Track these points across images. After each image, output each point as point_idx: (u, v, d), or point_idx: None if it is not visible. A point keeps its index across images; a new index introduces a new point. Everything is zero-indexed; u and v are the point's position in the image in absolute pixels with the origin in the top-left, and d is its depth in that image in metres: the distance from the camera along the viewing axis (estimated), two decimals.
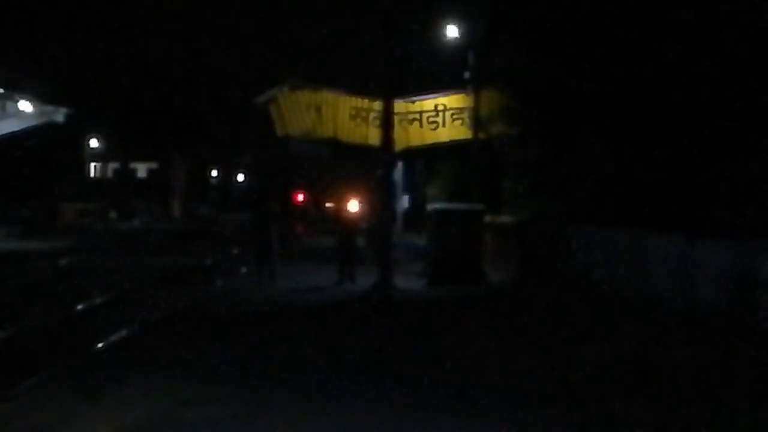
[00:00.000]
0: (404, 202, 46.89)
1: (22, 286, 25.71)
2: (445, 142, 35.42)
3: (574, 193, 25.07)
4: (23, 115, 44.19)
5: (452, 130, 35.07)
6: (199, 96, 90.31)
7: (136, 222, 77.02)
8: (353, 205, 27.99)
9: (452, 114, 35.09)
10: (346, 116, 35.11)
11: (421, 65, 37.83)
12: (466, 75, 32.62)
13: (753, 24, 19.69)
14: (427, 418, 10.54)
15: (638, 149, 22.24)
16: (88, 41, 70.96)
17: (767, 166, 18.88)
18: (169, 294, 24.08)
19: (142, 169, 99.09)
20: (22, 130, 45.70)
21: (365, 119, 34.80)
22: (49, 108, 44.76)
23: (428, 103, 35.39)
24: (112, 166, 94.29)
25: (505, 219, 29.51)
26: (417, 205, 45.49)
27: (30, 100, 42.99)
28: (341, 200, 28.43)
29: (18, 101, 42.90)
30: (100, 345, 15.92)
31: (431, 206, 28.62)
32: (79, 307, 21.12)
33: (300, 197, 54.62)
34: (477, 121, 31.39)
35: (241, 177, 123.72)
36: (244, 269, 31.71)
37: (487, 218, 28.15)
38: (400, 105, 32.06)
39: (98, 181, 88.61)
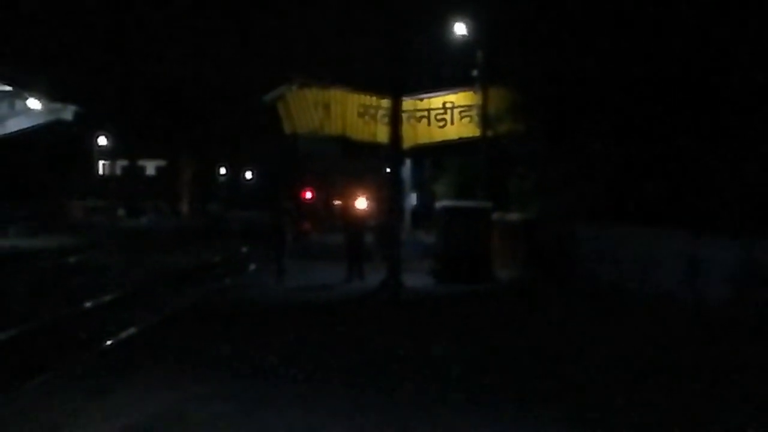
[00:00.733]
0: (412, 199, 46.95)
1: (32, 284, 25.78)
2: (453, 140, 35.40)
3: (581, 191, 25.05)
4: (32, 112, 44.30)
5: (460, 128, 35.06)
6: (207, 93, 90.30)
7: (144, 219, 77.17)
8: (361, 203, 27.96)
9: (460, 111, 35.08)
10: (355, 114, 35.12)
11: (430, 63, 37.84)
12: (474, 73, 32.59)
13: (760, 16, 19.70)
14: (433, 416, 10.53)
15: (645, 147, 22.23)
16: (96, 39, 71.02)
17: None
18: (178, 291, 24.15)
19: (150, 167, 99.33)
20: (31, 127, 45.81)
21: (373, 117, 34.81)
22: (57, 106, 44.87)
23: (436, 100, 35.38)
24: (121, 163, 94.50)
25: (513, 216, 29.50)
26: (425, 202, 45.54)
27: (38, 98, 43.10)
28: (349, 198, 28.40)
29: (27, 99, 43.01)
30: (108, 342, 15.97)
31: (439, 204, 28.62)
32: (88, 304, 21.18)
33: (308, 195, 54.57)
34: (485, 119, 31.36)
35: (249, 174, 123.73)
36: (252, 266, 31.77)
37: (495, 216, 28.13)
38: (408, 102, 32.07)
39: (107, 179, 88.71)
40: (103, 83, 71.81)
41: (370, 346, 15.19)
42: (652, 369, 13.19)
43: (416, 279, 25.41)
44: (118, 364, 13.63)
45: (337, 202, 63.12)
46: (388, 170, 25.74)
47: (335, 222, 46.89)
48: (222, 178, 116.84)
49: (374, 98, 34.61)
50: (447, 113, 35.21)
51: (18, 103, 43.90)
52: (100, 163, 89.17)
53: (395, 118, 23.78)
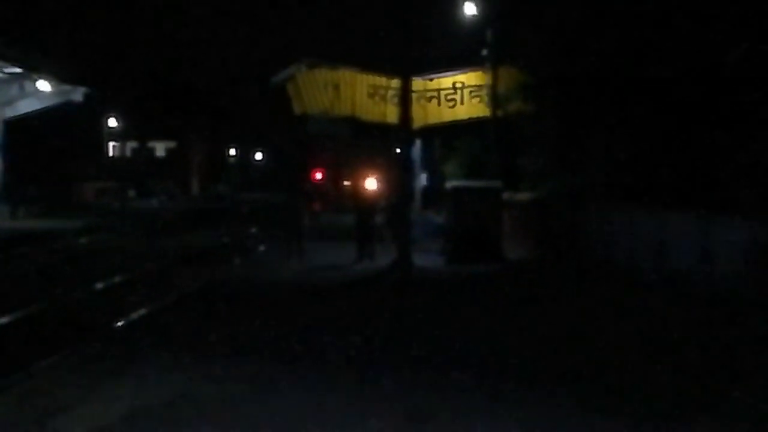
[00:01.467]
0: (422, 179, 46.91)
1: (42, 265, 25.82)
2: (463, 120, 35.34)
3: (591, 170, 24.98)
4: (41, 94, 44.31)
5: (470, 108, 34.99)
6: (217, 75, 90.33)
7: (155, 201, 77.20)
8: (371, 184, 27.92)
9: (470, 91, 35.00)
10: (364, 94, 35.06)
11: (439, 43, 37.71)
12: (484, 52, 32.49)
13: None
14: (448, 399, 10.51)
15: (656, 126, 22.14)
16: (106, 21, 70.97)
17: None
18: (188, 272, 24.15)
19: (160, 148, 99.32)
20: (41, 109, 45.83)
21: (383, 97, 34.74)
22: (67, 87, 44.86)
23: (446, 80, 35.31)
24: (131, 145, 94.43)
25: (523, 196, 29.44)
26: (435, 182, 45.47)
27: (48, 80, 43.09)
28: (359, 178, 28.36)
29: (36, 81, 43.00)
30: (119, 323, 15.98)
31: (449, 184, 28.57)
32: (99, 286, 21.20)
33: (318, 175, 54.60)
34: (495, 99, 31.28)
35: (259, 156, 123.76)
36: (262, 247, 31.78)
37: (505, 195, 28.08)
38: (418, 83, 31.98)
39: (116, 160, 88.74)
40: (113, 65, 71.73)
41: (381, 327, 15.18)
42: (667, 349, 13.16)
43: (426, 259, 25.40)
44: (129, 345, 13.65)
45: (346, 183, 63.11)
46: (398, 151, 25.68)
47: (345, 203, 46.89)
48: (232, 160, 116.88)
49: (384, 78, 34.54)
50: (457, 93, 35.14)
51: (28, 85, 43.89)
52: (110, 144, 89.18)
53: (405, 99, 23.72)
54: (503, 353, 12.97)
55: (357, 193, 28.27)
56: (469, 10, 32.62)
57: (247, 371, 11.79)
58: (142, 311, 17.24)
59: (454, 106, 35.19)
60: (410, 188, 28.88)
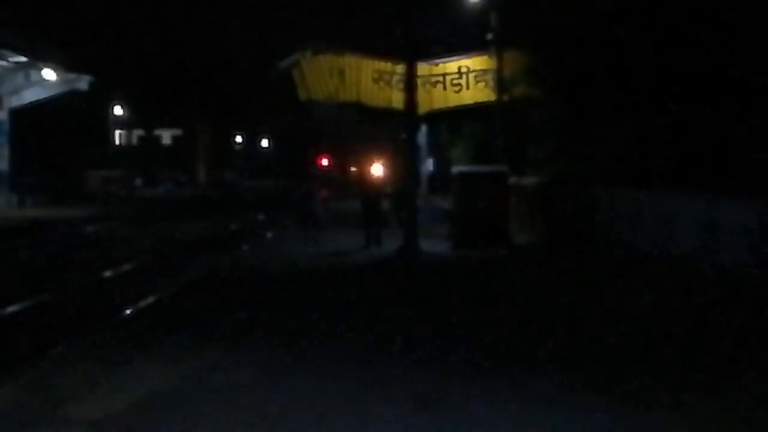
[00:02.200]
0: (428, 165, 46.90)
1: (49, 254, 25.87)
2: (468, 105, 35.27)
3: (597, 154, 24.97)
4: (47, 83, 44.37)
5: (476, 93, 34.93)
6: (222, 62, 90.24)
7: (161, 189, 77.37)
8: (378, 169, 27.92)
9: (475, 76, 34.93)
10: (370, 80, 35.00)
11: (444, 27, 37.65)
12: (489, 36, 32.44)
13: None
14: (450, 383, 10.53)
15: (663, 108, 22.12)
16: (112, 9, 70.92)
17: None
18: (196, 259, 24.19)
19: (166, 136, 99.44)
20: (47, 98, 45.89)
21: (388, 82, 34.69)
22: (72, 76, 44.91)
23: (451, 65, 35.24)
24: (137, 133, 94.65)
25: (530, 181, 29.44)
26: (441, 168, 45.47)
27: (54, 68, 43.13)
28: (365, 164, 28.37)
29: (42, 69, 43.06)
30: (127, 311, 16.02)
31: (455, 169, 28.57)
32: (107, 273, 21.25)
33: (324, 162, 54.66)
34: (500, 83, 31.26)
35: (265, 143, 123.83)
36: (269, 234, 31.81)
37: (512, 180, 28.08)
38: (423, 68, 31.91)
39: (123, 149, 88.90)
40: (119, 53, 71.76)
41: (389, 312, 15.20)
42: (675, 333, 13.17)
43: (433, 244, 25.41)
44: (137, 333, 13.68)
45: (353, 169, 63.13)
46: (403, 136, 25.67)
47: (352, 189, 46.90)
48: (238, 147, 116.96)
49: (389, 64, 34.48)
50: (462, 78, 35.06)
51: (33, 74, 43.97)
52: (117, 132, 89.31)
53: (410, 84, 23.72)
54: (510, 337, 12.99)
55: (363, 179, 28.27)
56: None
57: (256, 357, 11.82)
58: (150, 299, 17.27)
59: (459, 90, 35.12)
60: (416, 174, 28.88)
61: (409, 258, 22.66)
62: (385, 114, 35.62)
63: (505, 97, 31.14)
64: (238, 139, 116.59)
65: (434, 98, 34.98)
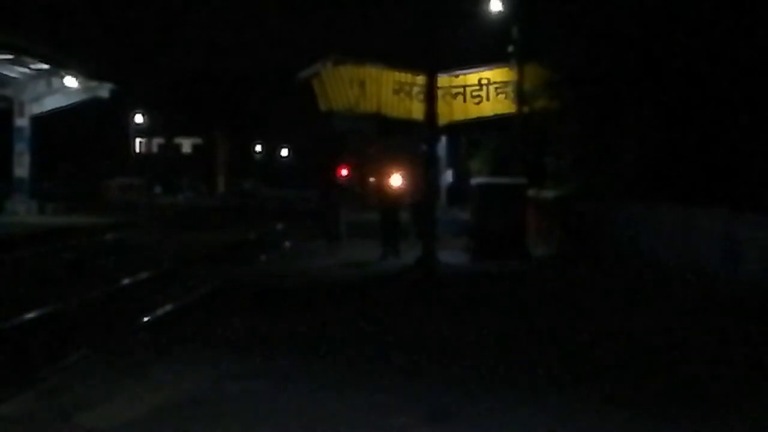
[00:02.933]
0: (448, 176, 46.85)
1: (68, 261, 25.93)
2: (488, 116, 35.33)
3: (617, 168, 24.90)
4: (68, 90, 44.53)
5: (496, 105, 34.98)
6: (243, 71, 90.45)
7: (181, 197, 77.52)
8: (397, 180, 27.90)
9: (496, 88, 35.00)
10: (390, 91, 35.09)
11: (465, 39, 37.67)
12: (510, 49, 32.45)
13: None
14: (464, 396, 10.49)
15: (683, 123, 22.05)
16: (133, 17, 71.22)
17: None
18: (213, 269, 24.21)
19: (186, 145, 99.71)
20: (68, 105, 46.03)
21: (409, 94, 34.77)
22: (94, 84, 45.04)
23: (472, 77, 35.30)
24: (157, 141, 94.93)
25: (549, 193, 29.38)
26: (460, 179, 45.41)
27: (75, 76, 43.29)
28: (385, 175, 28.37)
29: (63, 77, 43.21)
30: (145, 320, 16.04)
31: (474, 181, 28.54)
32: (126, 281, 21.28)
33: (344, 172, 54.70)
34: (520, 95, 31.24)
35: (284, 152, 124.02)
36: (287, 244, 31.83)
37: (531, 193, 28.03)
38: (443, 79, 31.96)
39: (143, 157, 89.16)
40: (140, 61, 72.01)
41: (406, 324, 15.18)
42: (690, 348, 13.11)
43: (452, 256, 25.37)
44: (154, 341, 13.68)
45: (372, 180, 63.05)
46: (423, 147, 25.66)
47: (370, 199, 46.90)
48: (257, 156, 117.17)
49: (409, 75, 34.58)
50: (482, 90, 35.13)
51: (55, 81, 44.10)
52: (137, 141, 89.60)
53: (430, 95, 23.69)
54: (527, 351, 12.95)
55: (382, 190, 28.25)
56: (495, 6, 32.57)
57: (272, 367, 11.80)
58: (168, 307, 17.29)
59: (479, 102, 35.19)
60: (435, 185, 28.84)
61: (427, 269, 22.61)
62: (405, 125, 35.69)
63: (525, 110, 31.12)
64: (258, 148, 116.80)
65: (454, 110, 35.04)
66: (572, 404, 10.09)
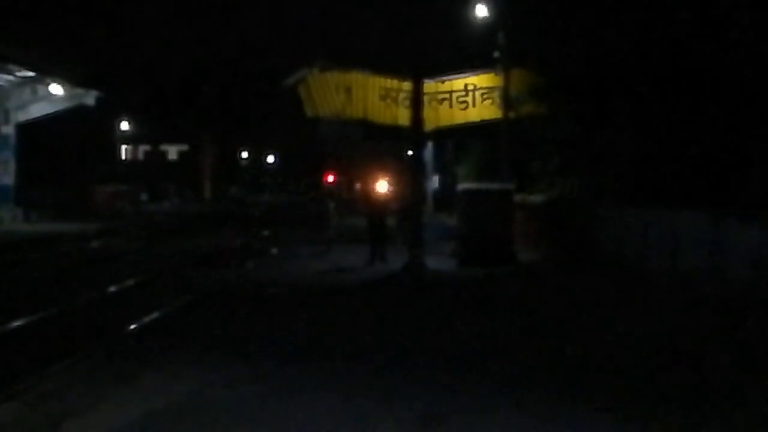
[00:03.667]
0: (434, 182, 46.96)
1: (54, 269, 25.85)
2: (474, 122, 35.34)
3: (603, 173, 24.96)
4: (54, 98, 44.46)
5: (482, 110, 34.99)
6: (229, 78, 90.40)
7: (167, 204, 77.40)
8: (383, 186, 27.92)
9: (482, 93, 35.01)
10: (376, 97, 35.08)
11: (451, 45, 37.71)
12: (496, 54, 32.50)
13: None
14: (456, 400, 10.50)
15: (669, 127, 22.11)
16: (119, 24, 71.09)
17: None
18: (200, 275, 24.17)
19: (172, 152, 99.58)
20: (54, 113, 45.96)
21: (395, 100, 34.76)
22: (79, 91, 44.98)
23: (458, 82, 35.31)
24: (143, 148, 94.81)
25: (536, 198, 29.42)
26: (447, 185, 45.52)
27: (61, 84, 43.22)
28: (371, 181, 28.38)
29: (49, 84, 43.14)
30: (132, 327, 15.99)
31: (461, 186, 28.56)
32: (112, 289, 21.22)
33: (330, 178, 54.77)
34: (507, 101, 31.28)
35: (271, 158, 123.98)
36: (274, 250, 31.79)
37: (517, 198, 28.06)
38: (429, 85, 31.99)
39: (129, 164, 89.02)
40: (126, 68, 71.92)
41: (394, 329, 15.18)
42: (678, 352, 13.14)
43: (439, 262, 25.38)
44: (142, 348, 13.66)
45: (358, 186, 63.17)
46: (409, 153, 25.69)
47: (357, 205, 47.00)
48: (244, 162, 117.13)
49: (395, 81, 34.57)
50: (469, 95, 35.14)
51: (40, 89, 44.03)
52: (123, 147, 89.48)
53: (417, 101, 23.73)
54: (515, 355, 12.96)
55: (369, 195, 28.27)
56: (481, 12, 32.62)
57: (261, 373, 11.79)
58: (155, 314, 17.24)
59: (465, 108, 35.19)
60: (422, 191, 28.88)
61: (414, 275, 22.62)
62: (392, 131, 35.69)
63: (512, 115, 31.16)
64: (244, 154, 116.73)
65: (440, 115, 35.04)
66: (560, 407, 10.11)
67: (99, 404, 10.35)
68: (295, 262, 27.30)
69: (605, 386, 11.08)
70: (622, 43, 23.23)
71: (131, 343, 14.39)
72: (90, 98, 45.44)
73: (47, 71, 42.27)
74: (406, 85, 30.08)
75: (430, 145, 39.41)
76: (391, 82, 34.78)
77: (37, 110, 45.25)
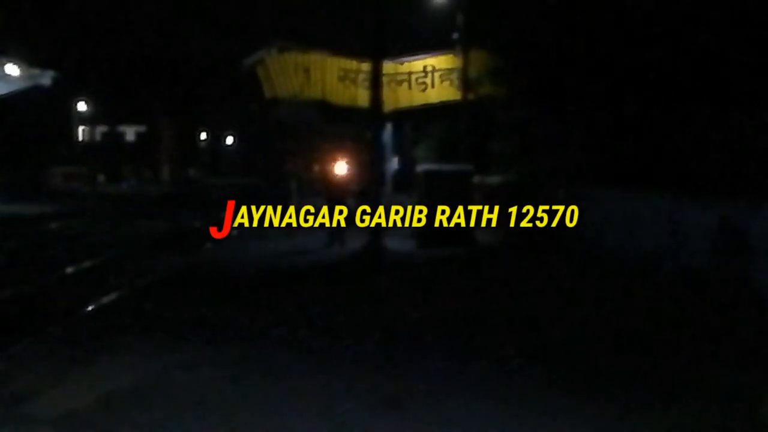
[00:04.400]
0: (393, 163, 46.93)
1: (11, 251, 25.67)
2: (433, 104, 35.35)
3: (562, 154, 25.04)
4: (10, 78, 43.94)
5: (441, 91, 35.00)
6: (187, 58, 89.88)
7: (125, 186, 76.98)
8: (342, 168, 27.86)
9: (441, 75, 35.01)
10: (335, 78, 35.00)
11: (410, 26, 37.69)
12: (455, 36, 32.51)
13: None
14: (419, 381, 10.55)
15: (627, 108, 22.22)
16: (75, 4, 70.45)
17: (760, 120, 18.86)
18: (159, 257, 24.10)
19: (130, 133, 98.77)
20: (9, 93, 45.48)
21: (354, 81, 34.69)
22: (35, 71, 44.49)
23: (417, 64, 35.29)
24: (100, 129, 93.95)
25: (494, 180, 29.49)
26: (406, 166, 45.51)
27: (16, 63, 42.77)
28: (330, 162, 28.31)
29: (4, 65, 42.65)
30: (89, 309, 15.92)
31: (420, 167, 28.57)
32: (69, 271, 21.12)
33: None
34: (466, 82, 31.31)
35: (230, 140, 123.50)
36: (233, 233, 31.72)
37: (476, 179, 28.10)
38: (388, 66, 31.92)
39: (86, 145, 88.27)
40: (83, 49, 71.30)
41: (354, 311, 15.19)
42: (631, 333, 13.25)
43: (398, 243, 25.40)
44: (100, 331, 13.60)
45: (317, 167, 63.03)
46: (368, 134, 25.67)
47: (316, 186, 46.95)
48: (202, 144, 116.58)
49: (354, 62, 34.50)
50: (428, 77, 35.13)
51: None
52: (80, 129, 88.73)
53: (376, 82, 23.70)
54: (475, 334, 13.02)
55: (327, 177, 28.21)
56: None
57: (221, 356, 11.79)
58: (113, 296, 17.19)
59: (424, 89, 35.19)
60: (381, 172, 28.86)
61: (374, 256, 22.64)
62: (351, 112, 35.62)
63: (471, 96, 31.20)
64: (203, 136, 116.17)
65: (400, 97, 35.03)
66: (518, 386, 10.18)
67: (56, 386, 10.30)
68: (252, 244, 27.22)
69: (563, 367, 11.16)
70: (579, 24, 23.30)
71: (89, 326, 14.32)
72: (46, 78, 44.96)
73: (2, 51, 41.83)
74: (365, 66, 30.04)
75: (389, 127, 39.31)
76: (350, 63, 34.71)
77: None
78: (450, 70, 34.41)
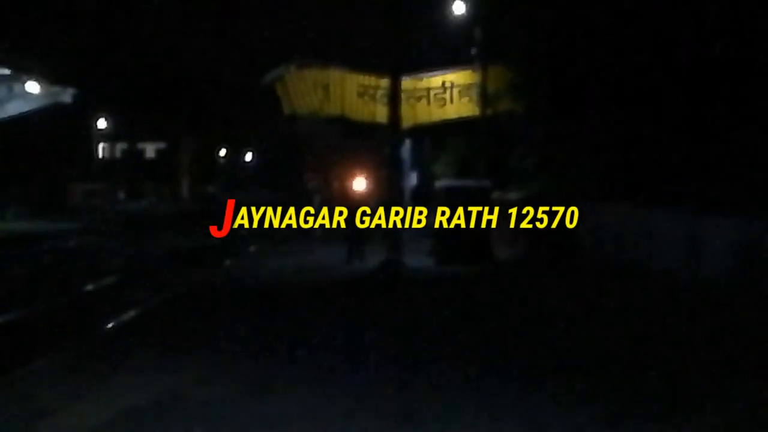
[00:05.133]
0: (412, 179, 46.86)
1: (30, 268, 25.75)
2: (452, 119, 35.37)
3: (581, 169, 24.99)
4: (30, 96, 44.17)
5: (460, 107, 35.02)
6: (207, 75, 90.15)
7: (144, 202, 77.12)
8: (361, 184, 27.88)
9: (459, 91, 35.03)
10: (354, 94, 35.06)
11: (429, 42, 37.73)
12: (473, 51, 32.52)
13: None
14: (434, 398, 10.50)
15: (647, 125, 22.17)
16: (97, 21, 70.80)
17: None
18: (177, 274, 24.12)
19: (150, 149, 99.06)
20: (30, 111, 45.68)
21: (373, 97, 34.74)
22: (56, 89, 44.71)
23: (436, 80, 35.32)
24: (120, 146, 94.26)
25: (513, 195, 29.42)
26: (425, 182, 45.44)
27: (37, 81, 42.96)
28: (349, 179, 28.34)
29: (25, 82, 42.87)
30: (109, 326, 15.95)
31: (439, 183, 28.54)
32: (88, 288, 21.16)
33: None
34: (484, 98, 31.29)
35: (248, 156, 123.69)
36: (251, 249, 31.74)
37: (495, 195, 28.05)
38: (407, 82, 31.95)
39: (106, 162, 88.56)
40: (103, 66, 71.58)
41: (371, 327, 15.16)
42: (651, 347, 13.18)
43: (417, 259, 25.37)
44: (118, 347, 13.62)
45: (336, 183, 63.03)
46: (387, 150, 25.68)
47: (335, 203, 46.98)
48: (222, 160, 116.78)
49: (373, 78, 34.54)
50: (446, 92, 35.16)
51: (16, 87, 43.72)
52: (100, 146, 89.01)
53: (394, 98, 23.74)
54: (493, 352, 12.97)
55: (347, 193, 28.22)
56: (458, 9, 32.64)
57: (237, 372, 11.77)
58: (132, 313, 17.20)
59: (443, 105, 35.22)
60: (400, 188, 28.87)
61: (392, 273, 22.60)
62: (370, 128, 35.67)
63: (489, 112, 31.18)
64: (222, 152, 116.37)
65: (418, 113, 35.06)
66: (535, 401, 10.13)
67: (74, 403, 10.31)
68: (271, 260, 27.24)
69: (588, 381, 11.10)
70: (600, 40, 23.27)
71: (109, 342, 14.34)
72: (67, 96, 45.18)
73: (24, 69, 42.02)
74: (384, 82, 30.07)
75: (407, 143, 39.32)
76: (369, 80, 34.76)
77: (14, 108, 44.95)
78: (469, 86, 34.41)
